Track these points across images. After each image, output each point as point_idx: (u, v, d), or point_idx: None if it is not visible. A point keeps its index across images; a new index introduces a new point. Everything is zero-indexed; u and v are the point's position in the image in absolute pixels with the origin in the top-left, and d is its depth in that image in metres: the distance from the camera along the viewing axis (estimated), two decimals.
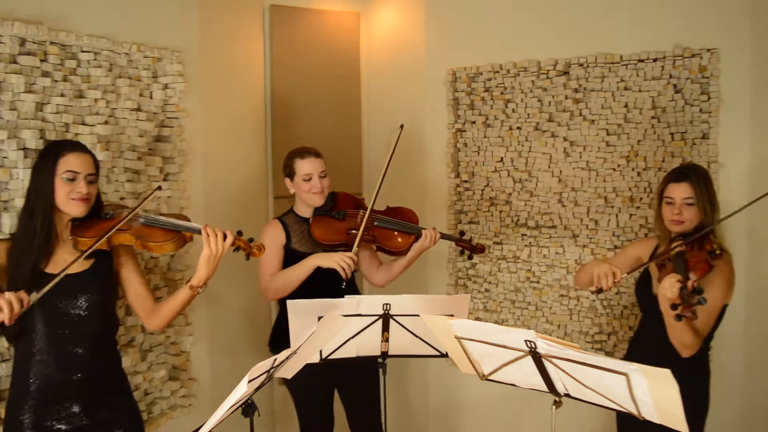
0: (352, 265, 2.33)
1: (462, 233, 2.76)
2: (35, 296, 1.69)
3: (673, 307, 1.77)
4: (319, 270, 2.39)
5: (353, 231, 2.47)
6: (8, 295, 1.63)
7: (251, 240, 2.08)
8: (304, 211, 2.56)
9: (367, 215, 2.47)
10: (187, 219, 2.09)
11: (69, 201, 1.85)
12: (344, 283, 2.34)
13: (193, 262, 2.61)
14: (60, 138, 2.24)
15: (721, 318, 2.13)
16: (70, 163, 1.84)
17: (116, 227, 1.90)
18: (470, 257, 2.73)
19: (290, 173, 2.52)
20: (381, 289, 2.76)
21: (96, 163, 1.94)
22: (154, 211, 2.02)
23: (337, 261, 2.33)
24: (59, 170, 1.83)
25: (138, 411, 2.11)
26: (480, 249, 2.69)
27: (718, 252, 2.00)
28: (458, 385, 3.39)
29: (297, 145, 2.60)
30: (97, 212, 1.97)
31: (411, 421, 3.54)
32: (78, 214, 1.88)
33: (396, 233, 2.52)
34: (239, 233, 2.04)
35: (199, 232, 1.96)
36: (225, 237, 1.95)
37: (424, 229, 2.50)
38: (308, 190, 2.48)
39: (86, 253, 1.83)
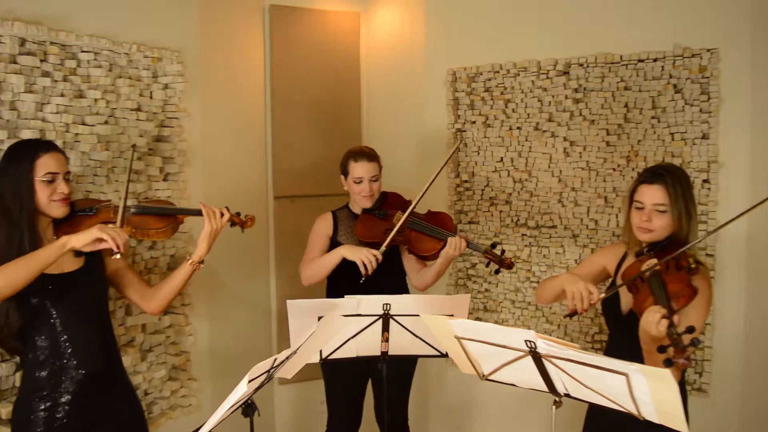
0: (374, 263, 2.37)
1: (494, 245, 2.49)
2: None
3: (661, 349, 1.52)
4: (348, 264, 2.43)
5: (389, 231, 2.50)
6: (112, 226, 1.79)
7: (238, 213, 2.21)
8: (356, 207, 2.65)
9: (404, 218, 2.49)
10: (172, 205, 2.19)
11: (51, 203, 1.82)
12: (363, 279, 2.37)
13: None
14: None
15: None
16: (48, 164, 1.81)
17: (119, 223, 1.93)
18: (497, 272, 2.50)
19: (344, 172, 2.60)
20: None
21: (67, 161, 1.93)
22: (143, 200, 2.15)
23: (360, 256, 2.38)
24: (38, 173, 1.79)
25: (139, 401, 2.13)
26: (508, 264, 2.45)
27: (694, 266, 1.75)
28: (458, 385, 3.39)
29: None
30: (75, 209, 1.95)
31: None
32: (61, 215, 1.87)
33: (426, 237, 2.51)
34: (227, 209, 2.16)
35: (199, 213, 2.08)
36: (222, 214, 2.11)
37: (452, 236, 2.45)
38: (358, 192, 2.56)
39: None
